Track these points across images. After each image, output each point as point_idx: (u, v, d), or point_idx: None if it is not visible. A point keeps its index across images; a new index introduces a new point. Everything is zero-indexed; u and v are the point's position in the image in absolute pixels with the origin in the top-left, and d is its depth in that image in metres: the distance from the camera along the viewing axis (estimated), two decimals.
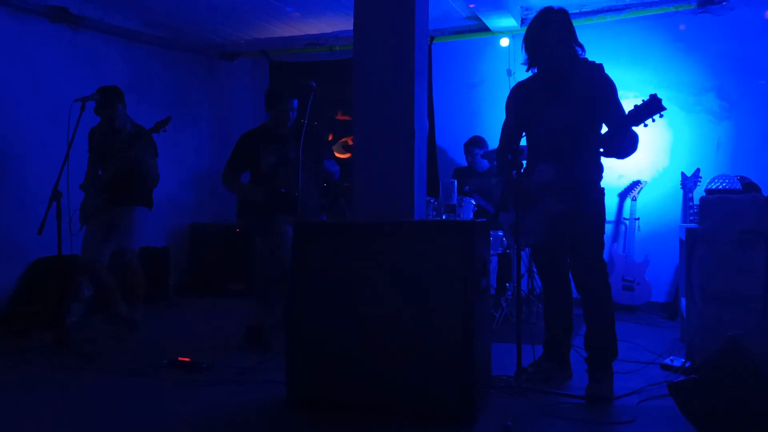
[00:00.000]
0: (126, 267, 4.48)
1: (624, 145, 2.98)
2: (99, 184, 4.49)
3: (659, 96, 2.77)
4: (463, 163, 5.79)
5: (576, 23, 3.18)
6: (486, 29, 5.97)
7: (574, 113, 3.06)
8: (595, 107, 3.05)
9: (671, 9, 5.45)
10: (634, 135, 2.97)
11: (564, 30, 3.06)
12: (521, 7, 5.72)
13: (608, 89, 3.08)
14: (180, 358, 3.65)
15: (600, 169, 3.20)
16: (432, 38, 6.11)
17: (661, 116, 2.79)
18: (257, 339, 4.06)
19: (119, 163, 4.41)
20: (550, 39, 3.05)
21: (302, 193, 3.97)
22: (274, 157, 4.30)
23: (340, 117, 6.54)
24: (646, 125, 2.81)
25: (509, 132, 3.37)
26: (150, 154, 4.49)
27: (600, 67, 3.14)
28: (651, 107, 2.76)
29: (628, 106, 2.92)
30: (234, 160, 4.45)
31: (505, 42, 6.00)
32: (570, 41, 3.09)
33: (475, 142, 5.51)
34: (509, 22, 5.70)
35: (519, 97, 3.31)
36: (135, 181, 4.49)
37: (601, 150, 3.06)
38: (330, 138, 6.33)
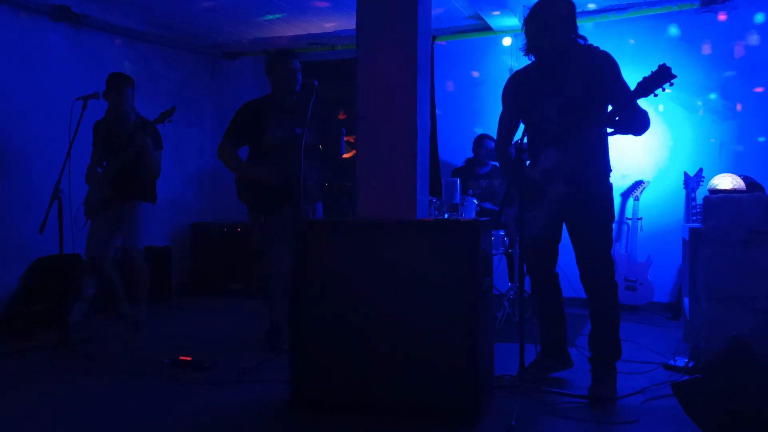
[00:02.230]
0: (131, 266, 4.48)
1: (636, 121, 2.94)
2: (104, 176, 4.48)
3: (668, 65, 2.75)
4: (464, 163, 5.80)
5: (579, 22, 3.15)
6: (488, 28, 5.96)
7: (574, 95, 3.03)
8: (596, 88, 3.01)
9: (674, 8, 5.44)
10: (644, 111, 2.94)
11: (564, 14, 3.03)
12: (524, 6, 5.70)
13: (609, 67, 3.04)
14: (181, 358, 3.64)
15: (606, 156, 3.15)
16: (434, 37, 6.10)
17: (671, 84, 2.76)
18: (272, 339, 3.97)
19: (124, 155, 4.41)
20: (549, 21, 3.01)
21: (305, 178, 3.70)
22: (280, 131, 3.88)
23: (342, 117, 6.53)
24: (656, 95, 2.79)
25: (507, 123, 3.35)
26: (153, 144, 4.46)
27: (598, 49, 3.10)
28: (660, 76, 2.75)
29: None
30: (233, 131, 3.97)
31: (507, 41, 6.00)
32: (570, 25, 3.05)
33: (488, 136, 5.54)
34: (512, 21, 5.69)
35: (516, 85, 3.28)
36: (140, 175, 4.48)
37: (611, 130, 3.00)
38: (342, 117, 6.16)
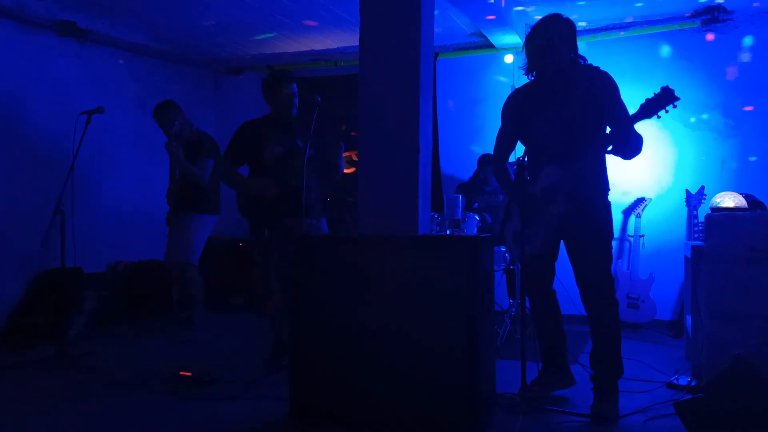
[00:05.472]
0: (183, 280, 4.76)
1: (630, 145, 2.96)
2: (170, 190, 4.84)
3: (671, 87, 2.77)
4: (465, 178, 5.80)
5: (581, 40, 3.19)
6: (490, 46, 6.00)
7: (575, 114, 3.05)
8: (596, 108, 3.04)
9: (675, 27, 5.48)
10: (639, 135, 2.97)
11: (565, 34, 3.06)
12: (525, 24, 5.74)
13: (610, 89, 3.06)
14: (181, 373, 3.63)
15: (605, 175, 3.17)
16: (437, 54, 6.14)
17: (674, 107, 2.77)
18: (275, 357, 3.92)
19: (176, 169, 4.71)
20: (550, 41, 3.04)
21: (308, 191, 3.69)
22: (280, 147, 3.85)
23: (344, 129, 6.55)
24: (659, 117, 2.81)
25: (505, 140, 3.37)
26: (186, 155, 4.63)
27: (600, 69, 3.13)
28: (663, 99, 2.76)
29: None
30: (232, 149, 3.96)
31: (509, 59, 6.04)
32: (570, 44, 3.08)
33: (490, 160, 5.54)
34: (513, 38, 5.73)
35: (517, 103, 3.30)
36: (187, 186, 4.71)
37: (609, 148, 3.00)
38: (344, 128, 6.22)
